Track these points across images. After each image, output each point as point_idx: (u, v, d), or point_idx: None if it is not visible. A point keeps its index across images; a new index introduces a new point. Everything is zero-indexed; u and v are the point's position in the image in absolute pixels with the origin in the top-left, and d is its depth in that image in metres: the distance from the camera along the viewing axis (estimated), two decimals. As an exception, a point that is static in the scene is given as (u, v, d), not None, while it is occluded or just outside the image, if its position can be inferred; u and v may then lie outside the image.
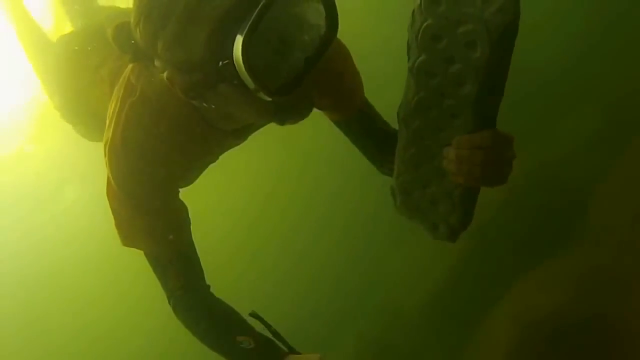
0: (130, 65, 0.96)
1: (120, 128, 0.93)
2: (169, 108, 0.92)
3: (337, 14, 0.75)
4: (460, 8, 0.70)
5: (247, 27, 0.67)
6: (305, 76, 0.74)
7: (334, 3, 0.75)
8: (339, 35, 1.05)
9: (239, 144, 1.13)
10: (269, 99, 0.73)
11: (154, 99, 0.92)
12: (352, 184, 2.94)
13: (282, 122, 0.86)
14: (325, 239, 3.06)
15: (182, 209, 1.04)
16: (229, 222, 3.18)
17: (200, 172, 1.12)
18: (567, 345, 1.66)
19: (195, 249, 1.06)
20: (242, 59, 0.68)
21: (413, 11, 0.75)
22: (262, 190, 3.24)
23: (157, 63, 0.79)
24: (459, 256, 2.33)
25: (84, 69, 1.25)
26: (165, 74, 0.78)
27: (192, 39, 0.71)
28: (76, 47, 1.34)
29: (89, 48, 1.29)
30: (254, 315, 1.03)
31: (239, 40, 0.67)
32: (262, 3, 0.67)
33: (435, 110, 0.79)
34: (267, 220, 3.25)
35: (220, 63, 0.70)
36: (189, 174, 1.08)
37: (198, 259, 1.07)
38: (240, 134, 1.05)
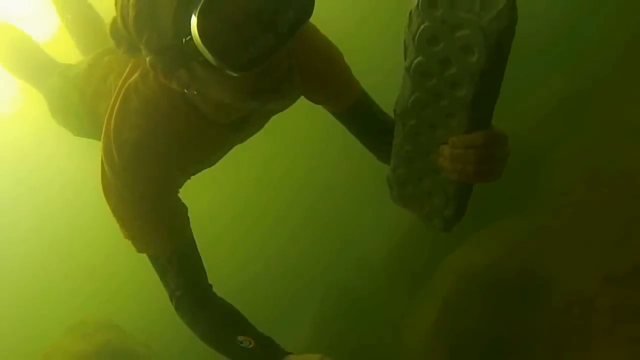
0: (129, 65, 0.96)
1: (113, 124, 0.91)
2: (162, 102, 0.91)
3: None
4: (457, 13, 0.70)
5: (201, 3, 0.68)
6: (272, 53, 0.72)
7: None
8: (331, 30, 1.03)
9: (238, 143, 1.11)
10: (234, 75, 0.73)
11: (147, 94, 0.91)
12: (330, 155, 3.15)
13: (263, 105, 0.84)
14: (304, 202, 3.30)
15: (182, 208, 1.01)
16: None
17: (200, 170, 1.09)
18: (495, 295, 1.88)
19: (196, 248, 1.03)
20: (198, 33, 0.68)
21: (410, 12, 0.75)
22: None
23: (143, 52, 0.79)
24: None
25: (95, 82, 1.25)
26: (147, 60, 0.78)
27: (161, 19, 0.73)
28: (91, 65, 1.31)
29: (102, 60, 1.26)
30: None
31: (194, 15, 0.69)
32: None
33: (430, 109, 0.80)
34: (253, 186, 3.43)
35: (184, 40, 0.71)
36: (188, 173, 1.04)
37: (199, 258, 1.04)
38: (236, 128, 1.02)
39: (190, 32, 0.70)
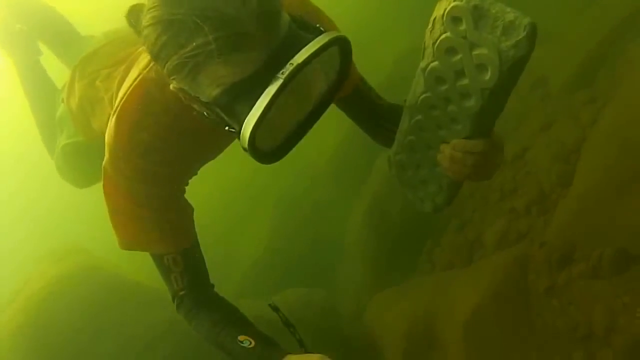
0: (141, 64, 0.93)
1: (121, 125, 0.90)
2: (173, 105, 0.89)
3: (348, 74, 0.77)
4: (479, 32, 0.73)
5: (259, 115, 0.66)
6: (298, 139, 0.75)
7: (349, 67, 0.76)
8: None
9: None
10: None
11: (157, 97, 0.90)
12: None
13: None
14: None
15: (187, 208, 1.01)
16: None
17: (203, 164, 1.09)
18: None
19: (199, 249, 1.04)
20: (249, 139, 0.68)
21: (434, 18, 0.78)
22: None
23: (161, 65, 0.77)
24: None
25: (81, 90, 1.23)
26: (171, 85, 0.76)
27: (201, 87, 0.71)
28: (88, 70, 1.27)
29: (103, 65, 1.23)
30: (273, 307, 1.02)
31: (250, 119, 0.67)
32: (281, 82, 0.66)
33: (438, 111, 0.84)
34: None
35: (227, 128, 0.72)
36: (194, 169, 1.05)
37: (203, 258, 1.04)
38: None
39: (233, 115, 0.70)
